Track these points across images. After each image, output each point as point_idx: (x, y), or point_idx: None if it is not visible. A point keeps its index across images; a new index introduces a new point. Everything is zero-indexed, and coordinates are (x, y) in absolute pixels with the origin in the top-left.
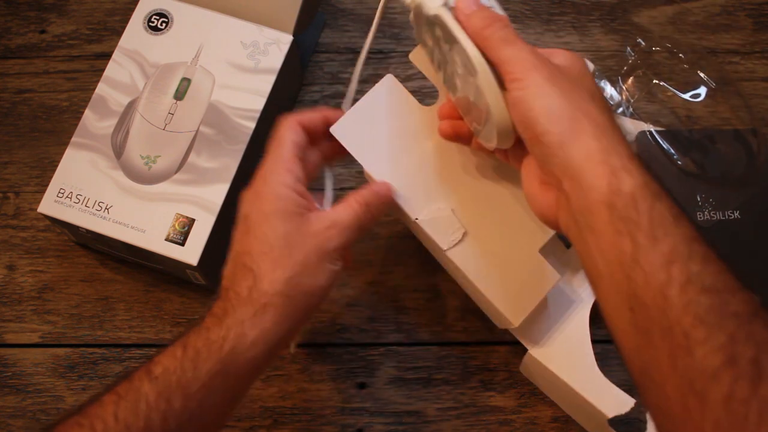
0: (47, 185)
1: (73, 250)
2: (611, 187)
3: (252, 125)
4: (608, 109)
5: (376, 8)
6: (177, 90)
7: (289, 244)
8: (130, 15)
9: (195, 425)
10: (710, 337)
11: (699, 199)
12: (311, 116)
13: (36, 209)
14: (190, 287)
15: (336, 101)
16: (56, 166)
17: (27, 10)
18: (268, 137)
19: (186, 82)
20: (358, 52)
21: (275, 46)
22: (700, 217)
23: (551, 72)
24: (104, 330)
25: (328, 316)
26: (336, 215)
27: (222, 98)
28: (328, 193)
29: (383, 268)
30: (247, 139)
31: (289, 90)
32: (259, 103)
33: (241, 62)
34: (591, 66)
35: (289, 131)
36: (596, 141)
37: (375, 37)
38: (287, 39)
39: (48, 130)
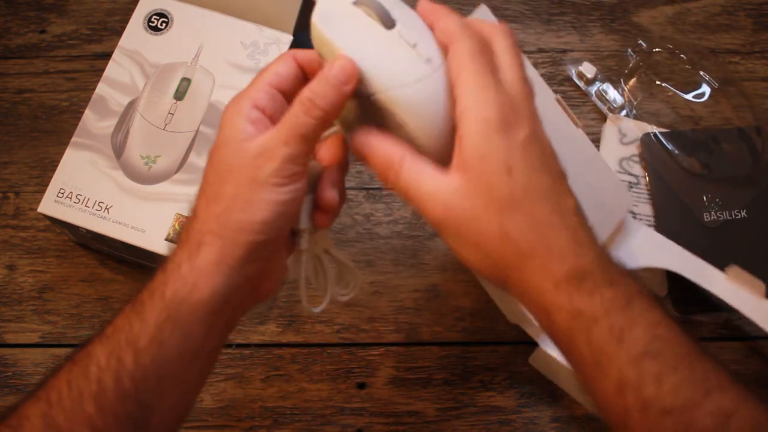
0: (47, 185)
1: (73, 250)
2: (549, 326)
3: None
4: (528, 209)
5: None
6: (177, 90)
7: (222, 179)
8: (130, 15)
9: (152, 383)
10: None
11: (705, 199)
12: (312, 55)
13: (36, 209)
14: None
15: None
16: (56, 166)
17: (27, 10)
18: None
19: (186, 82)
20: None
21: (275, 46)
22: (707, 218)
23: (457, 219)
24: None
25: (328, 316)
26: (267, 136)
27: (222, 98)
28: (303, 216)
29: (383, 268)
30: None
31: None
32: None
33: (241, 62)
34: (593, 70)
35: (277, 62)
36: (521, 283)
37: None
38: (287, 39)
39: (48, 130)
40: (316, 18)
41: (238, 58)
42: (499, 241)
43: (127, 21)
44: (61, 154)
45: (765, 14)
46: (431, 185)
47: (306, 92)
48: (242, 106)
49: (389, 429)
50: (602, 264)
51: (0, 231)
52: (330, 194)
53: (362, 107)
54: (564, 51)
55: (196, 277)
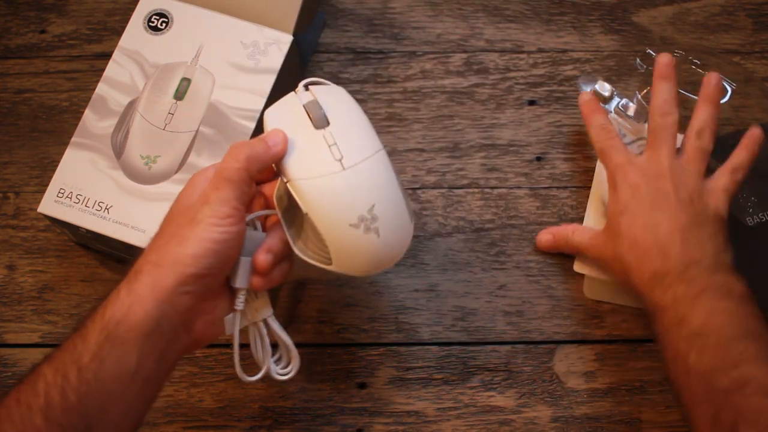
0: (47, 185)
1: (73, 250)
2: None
3: (252, 125)
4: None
5: (376, 8)
6: (177, 90)
7: (169, 222)
8: (130, 15)
9: (94, 399)
10: (703, 412)
11: (740, 199)
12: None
13: (36, 209)
14: None
15: None
16: (56, 166)
17: (27, 10)
18: None
19: (186, 82)
20: (358, 52)
21: (275, 46)
22: (750, 222)
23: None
24: None
25: (328, 316)
26: (206, 185)
27: (222, 98)
28: (240, 275)
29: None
30: (247, 138)
31: (289, 90)
32: (259, 103)
33: (241, 62)
34: (609, 88)
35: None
36: (663, 297)
37: (375, 37)
38: (287, 39)
39: (48, 130)
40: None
41: (238, 58)
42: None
43: (127, 21)
44: (61, 154)
45: (765, 14)
46: None
47: (233, 145)
48: (207, 171)
49: (389, 429)
50: (685, 264)
51: (0, 231)
52: (263, 257)
53: (287, 193)
54: (564, 51)
55: (132, 301)
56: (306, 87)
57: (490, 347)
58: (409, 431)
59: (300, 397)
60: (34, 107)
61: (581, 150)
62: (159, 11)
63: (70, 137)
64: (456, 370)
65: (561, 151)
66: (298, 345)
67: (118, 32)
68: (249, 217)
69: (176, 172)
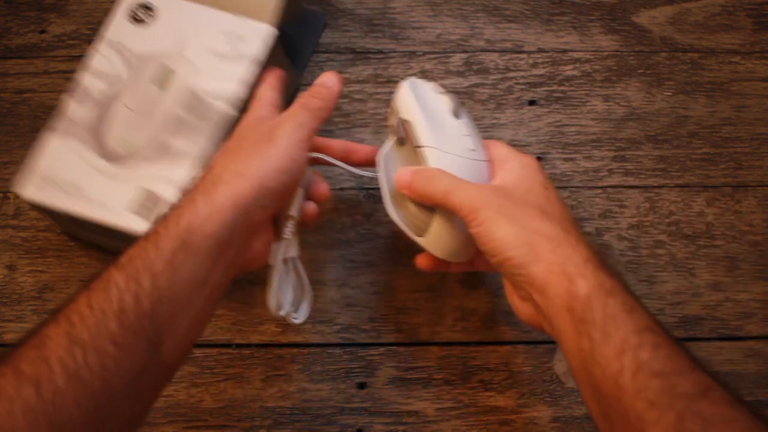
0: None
1: (73, 250)
2: (569, 294)
3: (229, 108)
4: (559, 214)
5: (376, 8)
6: (158, 79)
7: (243, 138)
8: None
9: (166, 306)
10: (661, 418)
11: None
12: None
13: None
14: None
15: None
16: None
17: (27, 10)
18: None
19: (168, 71)
20: (358, 52)
21: (257, 37)
22: None
23: (499, 204)
24: None
25: (328, 316)
26: (281, 113)
27: (202, 86)
28: (294, 204)
29: (383, 268)
30: (223, 121)
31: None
32: (237, 89)
33: (222, 52)
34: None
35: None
36: (553, 255)
37: (375, 37)
38: (270, 31)
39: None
40: (407, 83)
41: (220, 48)
42: (550, 223)
43: None
44: None
45: (765, 14)
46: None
47: (307, 91)
48: (262, 101)
49: (389, 429)
50: (612, 266)
51: (0, 231)
52: (324, 185)
53: (409, 153)
54: (564, 51)
55: (211, 210)
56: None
57: (490, 347)
58: (409, 431)
59: (300, 397)
60: (34, 107)
61: (581, 150)
62: (143, 3)
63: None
64: (456, 370)
65: (561, 151)
66: (298, 345)
67: None
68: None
69: (156, 158)
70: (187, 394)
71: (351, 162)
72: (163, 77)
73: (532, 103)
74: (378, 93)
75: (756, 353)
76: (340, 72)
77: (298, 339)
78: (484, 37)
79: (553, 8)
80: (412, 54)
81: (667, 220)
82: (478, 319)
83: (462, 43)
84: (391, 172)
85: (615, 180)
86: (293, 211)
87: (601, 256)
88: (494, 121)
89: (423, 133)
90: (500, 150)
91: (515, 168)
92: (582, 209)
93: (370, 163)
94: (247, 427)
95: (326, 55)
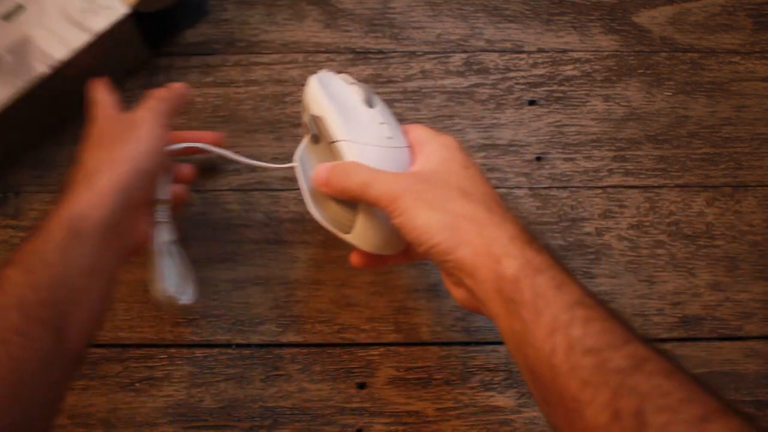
0: (48, 185)
1: None
2: (497, 275)
3: (46, 69)
4: (481, 193)
5: (376, 8)
6: (6, 11)
7: (105, 132)
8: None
9: (66, 293)
10: (596, 397)
11: None
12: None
13: (36, 209)
14: None
15: None
16: (57, 166)
17: None
18: (78, 96)
19: (18, 6)
20: (358, 52)
21: (108, 13)
22: None
23: (418, 190)
24: (104, 330)
25: (328, 316)
26: (136, 107)
27: (38, 39)
28: (162, 189)
29: (383, 268)
30: (33, 78)
31: (124, 64)
32: (64, 55)
33: (72, 16)
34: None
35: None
36: (478, 237)
37: (375, 37)
38: (122, 10)
39: None
40: (315, 77)
41: (72, 12)
42: (472, 203)
43: None
44: (62, 153)
45: (765, 14)
46: None
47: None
48: (106, 103)
49: (389, 429)
50: (541, 241)
51: (0, 231)
52: (186, 166)
53: (324, 149)
54: (564, 51)
55: (95, 197)
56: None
57: (490, 347)
58: (409, 431)
59: (300, 397)
60: None
61: (581, 150)
62: None
63: (70, 137)
64: (456, 370)
65: (561, 151)
66: (298, 345)
67: None
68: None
69: None
70: (187, 394)
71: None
72: (11, 11)
73: (532, 103)
74: (378, 93)
75: (756, 353)
76: (340, 72)
77: (298, 339)
78: (484, 37)
79: (553, 8)
80: (412, 54)
81: (667, 220)
82: (478, 319)
83: (462, 43)
84: (309, 171)
85: (615, 180)
86: (162, 195)
87: (529, 232)
88: (494, 121)
89: (336, 127)
90: (419, 133)
91: (434, 150)
92: (582, 209)
93: (218, 144)
94: (247, 427)
95: (326, 54)
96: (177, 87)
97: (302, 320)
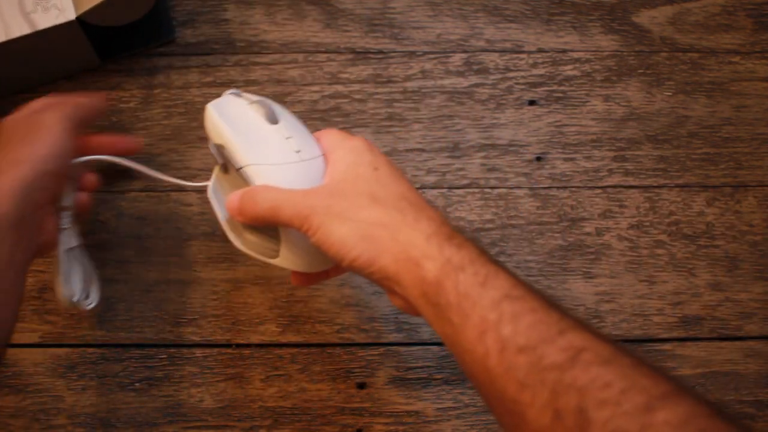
0: None
1: None
2: (419, 279)
3: None
4: (392, 195)
5: (376, 8)
6: None
7: (11, 134)
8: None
9: None
10: (535, 398)
11: None
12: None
13: None
14: (191, 287)
15: (336, 101)
16: None
17: None
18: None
19: None
20: (358, 52)
21: (55, 14)
22: None
23: (326, 205)
24: (104, 330)
25: (327, 316)
26: (46, 112)
27: None
28: (67, 196)
29: None
30: None
31: (73, 65)
32: (1, 39)
33: (26, 5)
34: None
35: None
36: (394, 243)
37: (375, 37)
38: (69, 16)
39: None
40: (212, 105)
41: (26, 4)
42: (379, 210)
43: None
44: None
45: (765, 14)
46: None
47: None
48: (27, 105)
49: (389, 429)
50: (460, 232)
51: None
52: (90, 175)
53: (234, 177)
54: (564, 51)
55: (0, 196)
56: (235, 94)
57: None
58: (409, 431)
59: (300, 397)
60: None
61: (581, 150)
62: None
63: None
64: (456, 370)
65: (561, 151)
66: (298, 345)
67: None
68: (78, 159)
69: None
70: (187, 394)
71: (118, 153)
72: None
73: (532, 103)
74: (378, 93)
75: (756, 353)
76: (340, 72)
77: (298, 339)
78: (484, 37)
79: (553, 8)
80: (412, 54)
81: (667, 220)
82: None
83: (462, 43)
84: (223, 201)
85: (615, 180)
86: (66, 202)
87: (448, 226)
88: (494, 121)
89: (240, 152)
90: (329, 139)
91: (342, 157)
92: (582, 209)
93: (132, 153)
94: (247, 427)
95: (326, 54)
96: (94, 97)
97: (302, 320)
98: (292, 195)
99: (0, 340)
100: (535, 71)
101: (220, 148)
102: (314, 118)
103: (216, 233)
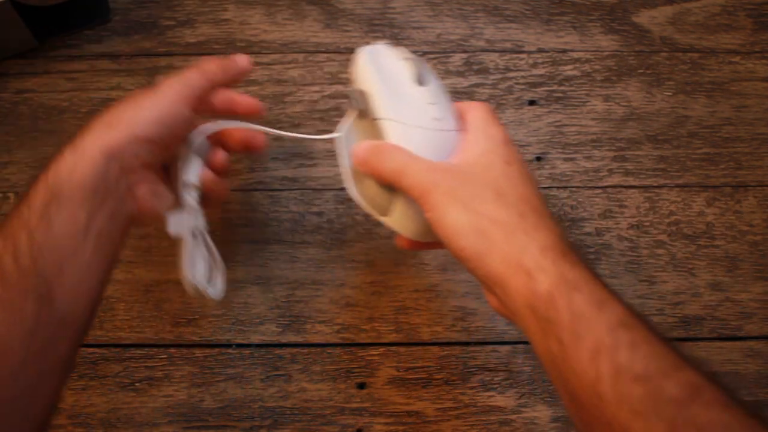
0: None
1: None
2: (529, 290)
3: None
4: (518, 195)
5: (376, 8)
6: None
7: (119, 102)
8: (130, 15)
9: (49, 258)
10: (649, 429)
11: None
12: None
13: None
14: None
15: (336, 101)
16: None
17: None
18: None
19: None
20: None
21: None
22: None
23: (451, 186)
24: (104, 330)
25: (327, 316)
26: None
27: None
28: (191, 170)
29: (383, 268)
30: None
31: (8, 45)
32: None
33: None
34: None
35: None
36: (507, 245)
37: (375, 37)
38: None
39: (48, 130)
40: (364, 50)
41: None
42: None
43: (126, 22)
44: None
45: (765, 14)
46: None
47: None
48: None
49: (389, 429)
50: (575, 249)
51: None
52: (219, 154)
53: (369, 125)
54: (564, 51)
55: (77, 159)
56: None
57: (490, 347)
58: (409, 431)
59: (300, 397)
60: (34, 107)
61: (581, 150)
62: None
63: (71, 137)
64: (456, 370)
65: (561, 151)
66: (298, 345)
67: (119, 32)
68: (203, 126)
69: None
70: (187, 394)
71: (238, 113)
72: None
73: (532, 103)
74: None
75: (756, 353)
76: (340, 72)
77: (298, 339)
78: (484, 37)
79: (553, 8)
80: None
81: (667, 220)
82: (478, 319)
83: (462, 43)
84: (351, 145)
85: (615, 180)
86: (190, 177)
87: (565, 242)
88: None
89: (380, 104)
90: (474, 117)
91: (478, 140)
92: (582, 209)
93: (254, 114)
94: (247, 427)
95: (326, 54)
96: (236, 56)
97: (302, 320)
98: (418, 164)
99: (73, 306)
100: (535, 71)
101: (362, 94)
102: (314, 118)
103: (215, 232)
